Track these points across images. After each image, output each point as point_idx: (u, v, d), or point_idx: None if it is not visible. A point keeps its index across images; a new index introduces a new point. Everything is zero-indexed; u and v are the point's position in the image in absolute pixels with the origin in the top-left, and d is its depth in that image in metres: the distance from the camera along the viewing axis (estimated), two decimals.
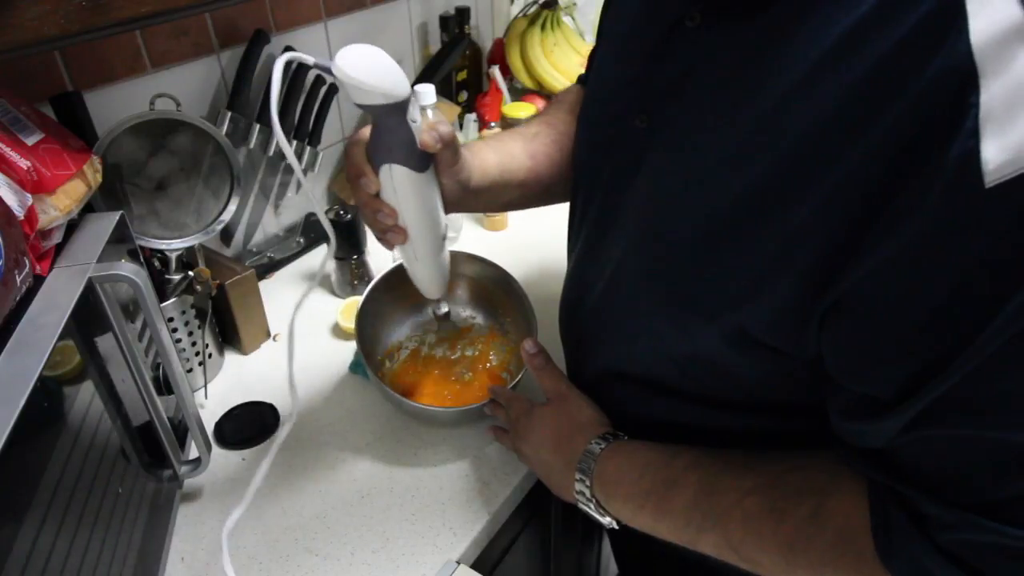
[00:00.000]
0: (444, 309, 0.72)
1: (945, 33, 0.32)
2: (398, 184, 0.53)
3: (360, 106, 0.49)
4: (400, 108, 0.49)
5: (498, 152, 0.64)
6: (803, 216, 0.37)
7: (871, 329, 0.37)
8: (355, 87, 0.47)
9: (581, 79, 0.77)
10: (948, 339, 0.33)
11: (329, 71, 0.47)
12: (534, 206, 0.71)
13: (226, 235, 0.95)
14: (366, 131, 0.54)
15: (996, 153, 0.30)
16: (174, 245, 0.72)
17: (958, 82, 0.31)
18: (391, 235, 0.57)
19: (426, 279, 0.64)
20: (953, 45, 0.31)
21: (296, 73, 0.94)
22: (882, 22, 0.34)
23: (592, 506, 0.58)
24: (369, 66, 0.47)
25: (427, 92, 1.01)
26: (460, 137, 1.08)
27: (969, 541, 0.37)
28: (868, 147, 0.34)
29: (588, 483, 0.58)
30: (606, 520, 0.58)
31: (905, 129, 0.33)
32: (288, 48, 0.91)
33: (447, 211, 0.59)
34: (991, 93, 0.30)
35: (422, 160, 0.53)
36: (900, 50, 0.33)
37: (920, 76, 0.32)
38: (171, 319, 0.75)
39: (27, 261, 0.46)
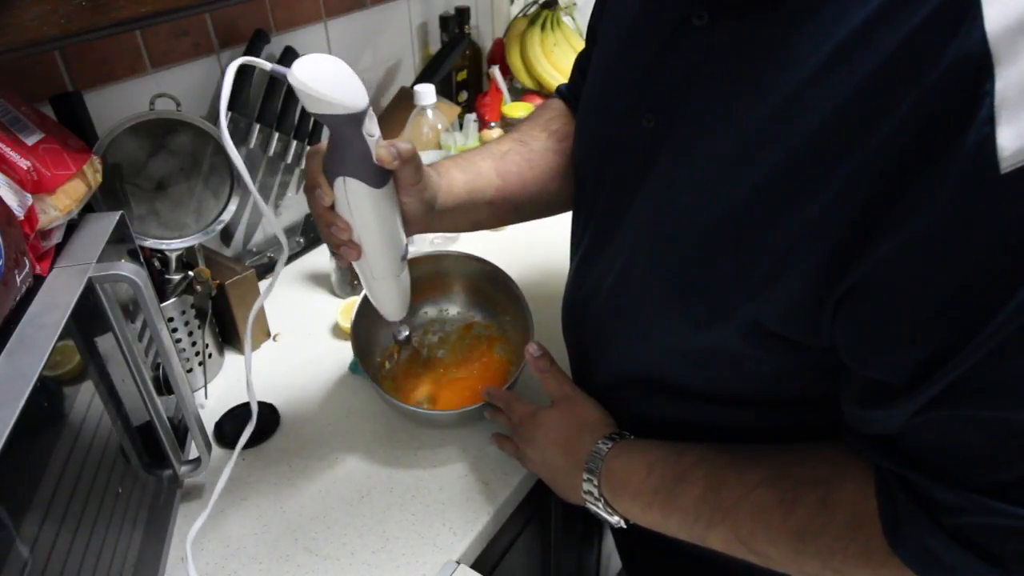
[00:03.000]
0: (405, 333, 0.71)
1: (959, 22, 0.32)
2: (352, 198, 0.52)
3: (314, 115, 0.48)
4: (354, 120, 0.48)
5: (466, 171, 0.63)
6: (818, 207, 0.38)
7: (886, 315, 0.37)
8: (308, 95, 0.46)
9: (561, 90, 0.76)
10: (963, 323, 0.34)
11: (285, 77, 0.47)
12: (506, 224, 0.71)
13: (226, 235, 0.95)
14: (327, 143, 0.53)
15: (1011, 139, 0.30)
16: (174, 245, 0.72)
17: (973, 70, 0.31)
18: (344, 250, 0.56)
19: (383, 300, 0.63)
20: (967, 34, 0.31)
21: None
22: (895, 13, 0.34)
23: (601, 505, 0.58)
24: (325, 76, 0.46)
25: (427, 92, 1.01)
26: (460, 137, 1.08)
27: (978, 524, 0.38)
28: (883, 137, 0.34)
29: (596, 483, 0.58)
30: (615, 519, 0.58)
31: (920, 118, 0.33)
32: (288, 49, 0.92)
33: (411, 231, 0.58)
34: (1006, 81, 0.31)
35: (379, 176, 0.52)
36: (914, 40, 0.33)
37: (935, 65, 0.32)
38: (171, 319, 0.75)
39: (27, 261, 0.46)
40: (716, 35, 0.44)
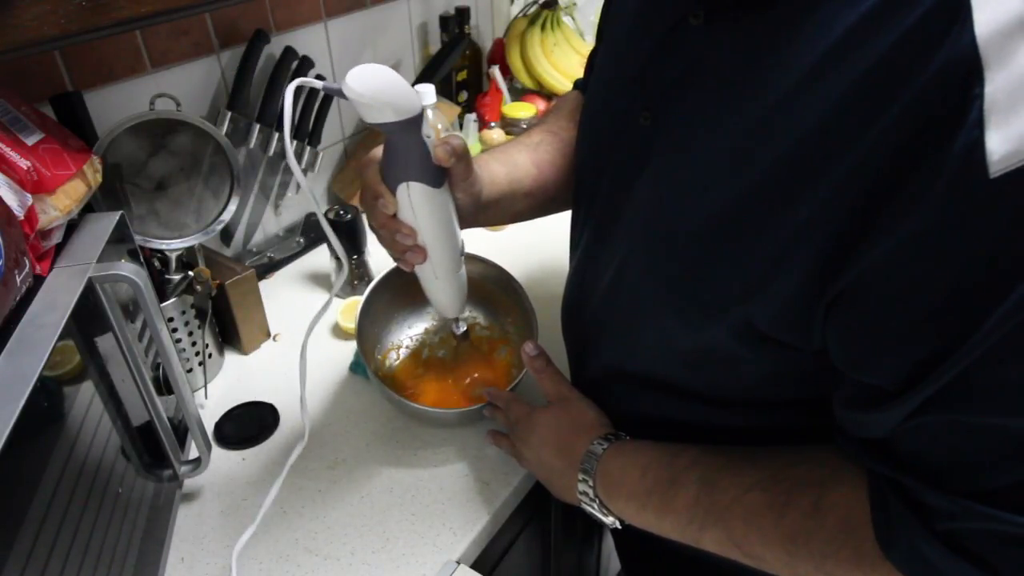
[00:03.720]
0: (463, 328, 0.71)
1: (949, 26, 0.32)
2: (416, 202, 0.53)
3: (373, 125, 0.48)
4: (414, 124, 0.49)
5: (504, 163, 0.64)
6: (810, 209, 0.38)
7: (876, 319, 0.37)
8: (368, 106, 0.47)
9: (579, 84, 0.76)
10: (953, 328, 0.34)
11: (340, 93, 0.47)
12: (540, 215, 0.71)
13: (226, 235, 0.95)
14: (378, 151, 0.53)
15: (1000, 144, 0.30)
16: (174, 245, 0.72)
17: (963, 74, 0.31)
18: (410, 255, 0.56)
19: (446, 298, 0.63)
20: (957, 37, 0.31)
21: (296, 72, 0.94)
22: (887, 16, 0.34)
23: (596, 506, 0.58)
24: (380, 84, 0.47)
25: (427, 92, 1.01)
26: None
27: (969, 529, 0.37)
28: (874, 140, 0.34)
29: (591, 483, 0.58)
30: (609, 520, 0.58)
31: (910, 121, 0.33)
32: (288, 49, 0.92)
33: (462, 226, 0.59)
34: (995, 84, 0.31)
35: (437, 176, 0.52)
36: (905, 43, 0.33)
37: (925, 69, 0.32)
38: (171, 319, 0.75)
39: (27, 261, 0.46)
40: (712, 34, 0.44)
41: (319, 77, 0.98)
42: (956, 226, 0.32)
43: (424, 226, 0.54)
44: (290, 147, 0.49)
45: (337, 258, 0.95)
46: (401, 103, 0.47)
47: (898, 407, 0.37)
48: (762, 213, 0.40)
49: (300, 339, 0.89)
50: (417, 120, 0.49)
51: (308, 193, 0.52)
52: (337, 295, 0.97)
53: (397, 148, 0.51)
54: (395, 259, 0.59)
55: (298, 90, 0.50)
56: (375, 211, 0.55)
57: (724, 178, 0.42)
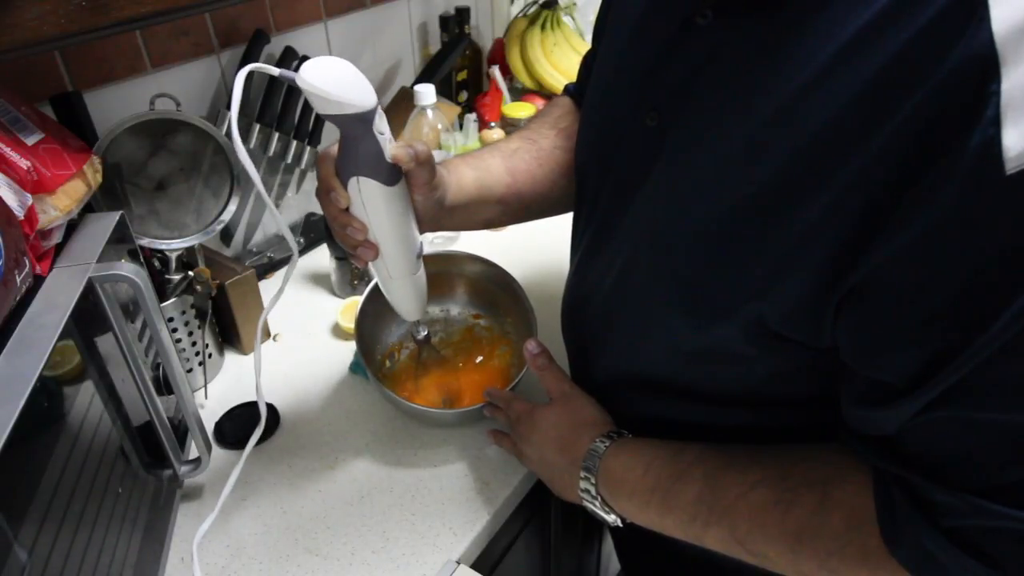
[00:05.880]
0: (423, 332, 0.71)
1: (966, 22, 0.32)
2: (366, 198, 0.53)
3: (325, 117, 0.49)
4: (365, 119, 0.49)
5: (476, 168, 0.63)
6: (821, 207, 0.38)
7: (888, 316, 0.37)
8: (318, 97, 0.47)
9: (569, 89, 0.76)
10: (964, 325, 0.34)
11: (294, 81, 0.47)
12: (514, 223, 0.71)
13: (226, 235, 0.95)
14: (336, 147, 0.53)
15: (1017, 140, 0.30)
16: (174, 245, 0.72)
17: (979, 71, 0.31)
18: (361, 251, 0.56)
19: (401, 299, 0.63)
20: (974, 34, 0.31)
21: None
22: (902, 13, 0.34)
23: (598, 504, 0.58)
24: (333, 77, 0.47)
25: (427, 92, 1.01)
26: (460, 137, 1.08)
27: (976, 526, 0.38)
28: (887, 137, 0.34)
29: (593, 481, 0.58)
30: (611, 518, 0.58)
31: (925, 118, 0.33)
32: (288, 49, 0.92)
33: (422, 229, 0.59)
34: (1012, 81, 0.31)
35: (391, 174, 0.52)
36: (920, 41, 0.33)
37: (940, 66, 0.32)
38: (171, 319, 0.75)
39: (27, 261, 0.46)
40: (720, 34, 0.44)
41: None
42: (970, 222, 0.32)
43: (375, 222, 0.55)
44: (238, 135, 0.49)
45: (339, 258, 0.95)
46: (352, 97, 0.47)
47: (907, 404, 0.37)
48: (773, 211, 0.40)
49: (301, 339, 0.90)
50: (368, 116, 0.49)
51: (249, 169, 0.51)
52: (337, 295, 0.97)
53: (349, 142, 0.51)
54: (348, 254, 0.59)
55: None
56: (326, 203, 0.55)
57: (734, 177, 0.42)
